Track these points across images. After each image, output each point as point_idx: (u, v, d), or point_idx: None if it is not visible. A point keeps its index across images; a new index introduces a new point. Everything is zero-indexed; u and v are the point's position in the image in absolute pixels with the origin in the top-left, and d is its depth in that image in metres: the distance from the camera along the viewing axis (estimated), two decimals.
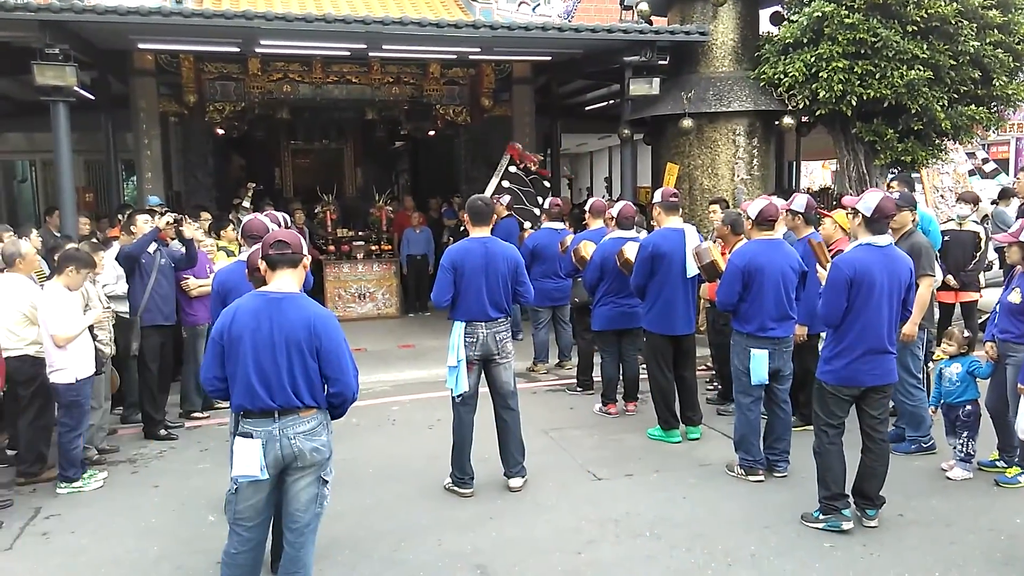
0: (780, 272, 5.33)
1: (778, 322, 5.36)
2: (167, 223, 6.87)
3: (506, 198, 9.85)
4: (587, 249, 7.09)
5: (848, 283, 4.45)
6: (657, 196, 6.43)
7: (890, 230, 5.74)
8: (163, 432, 6.58)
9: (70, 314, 5.40)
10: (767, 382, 5.39)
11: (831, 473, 4.65)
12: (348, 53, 10.30)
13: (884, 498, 4.71)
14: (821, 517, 4.68)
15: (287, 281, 3.56)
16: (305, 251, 3.65)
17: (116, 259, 6.54)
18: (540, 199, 10.81)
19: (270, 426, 3.45)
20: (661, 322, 6.22)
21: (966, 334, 5.54)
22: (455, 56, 10.88)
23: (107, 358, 6.12)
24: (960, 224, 8.27)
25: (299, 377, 3.45)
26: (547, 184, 11.51)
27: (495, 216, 7.99)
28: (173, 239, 7.29)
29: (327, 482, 3.61)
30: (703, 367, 7.65)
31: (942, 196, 11.81)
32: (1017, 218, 7.25)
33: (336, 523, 4.80)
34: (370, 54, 10.31)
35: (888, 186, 7.25)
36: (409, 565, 4.36)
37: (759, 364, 5.32)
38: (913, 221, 6.02)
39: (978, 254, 8.11)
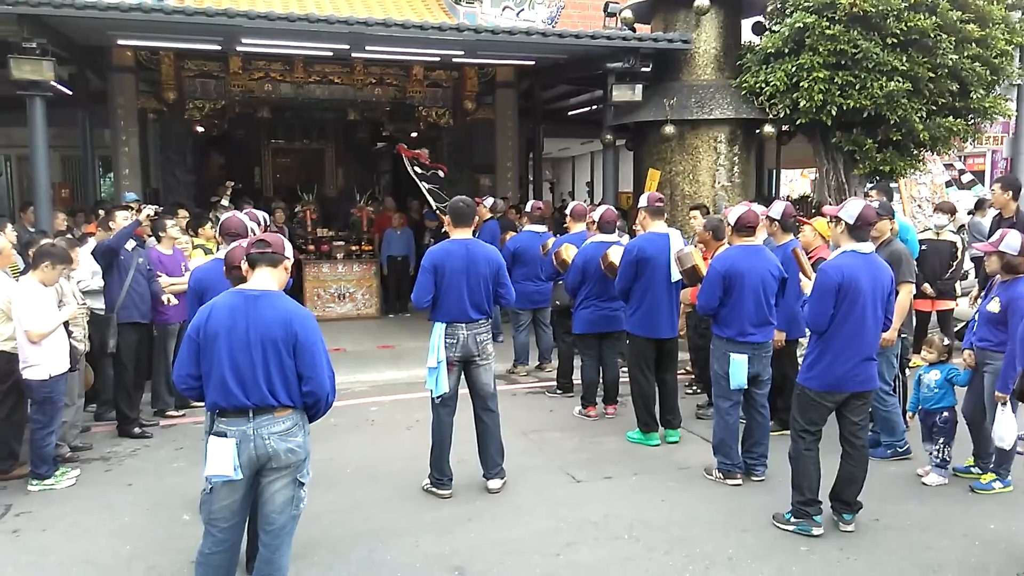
0: (760, 278, 5.36)
1: (758, 327, 5.39)
2: (147, 216, 6.82)
3: (489, 200, 9.83)
4: (568, 252, 7.10)
5: (837, 288, 4.47)
6: (643, 200, 6.43)
7: (870, 238, 5.83)
8: (137, 430, 6.50)
9: (45, 310, 5.33)
10: (746, 387, 5.42)
11: (807, 480, 4.67)
12: (331, 53, 10.24)
13: (861, 503, 4.75)
14: (792, 520, 4.71)
15: (265, 279, 3.53)
16: (288, 253, 3.61)
17: (94, 253, 6.46)
18: (445, 194, 10.55)
19: (244, 425, 3.41)
20: (645, 325, 6.24)
21: (946, 342, 5.60)
22: (438, 58, 10.87)
23: (81, 355, 6.04)
24: (937, 234, 8.37)
25: (275, 375, 3.40)
26: (441, 175, 11.13)
27: (478, 218, 7.99)
28: (150, 236, 7.22)
29: (303, 484, 3.56)
30: (682, 371, 7.68)
31: (919, 206, 11.95)
32: (991, 229, 7.35)
33: (313, 523, 4.75)
34: (353, 55, 10.25)
35: (866, 195, 7.32)
36: (386, 566, 4.32)
37: (738, 369, 5.35)
38: (892, 230, 6.08)
39: (954, 263, 8.21)
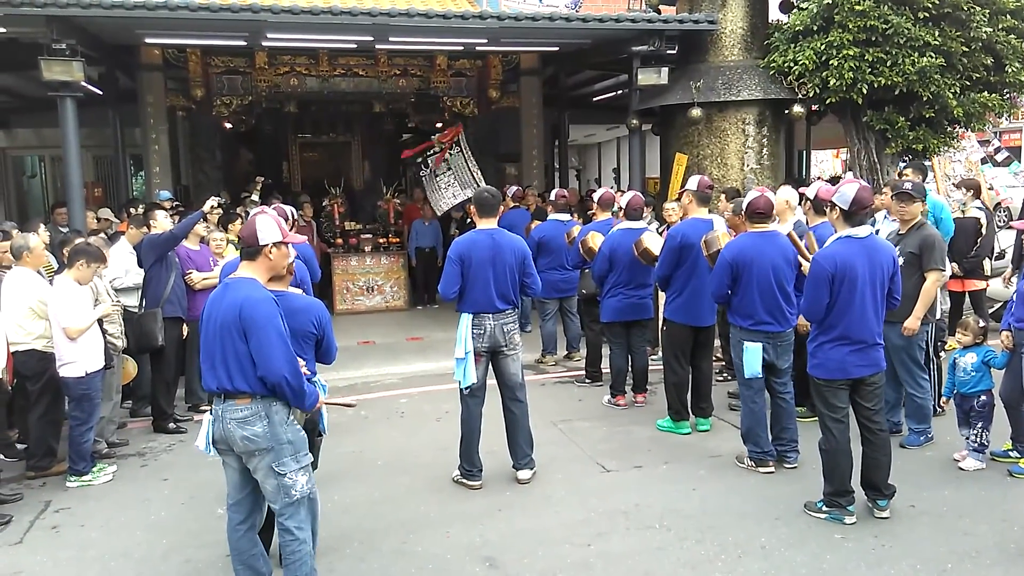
0: (771, 266, 5.27)
1: (772, 316, 5.32)
2: (211, 207, 7.04)
3: (511, 189, 9.80)
4: (595, 240, 7.06)
5: (830, 279, 4.41)
6: (692, 183, 6.27)
7: (900, 221, 5.71)
8: (172, 426, 6.61)
9: (81, 307, 5.42)
10: (761, 375, 5.35)
11: (837, 471, 4.62)
12: (355, 46, 10.27)
13: (894, 487, 4.67)
14: (824, 509, 4.66)
15: (245, 270, 3.59)
16: (265, 238, 3.54)
17: (155, 243, 6.57)
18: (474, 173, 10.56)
19: (218, 406, 3.55)
20: (686, 312, 6.17)
21: (981, 324, 5.48)
22: (462, 47, 10.84)
23: (117, 351, 6.14)
24: (963, 211, 8.19)
25: (231, 361, 3.46)
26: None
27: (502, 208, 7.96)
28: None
29: (283, 474, 3.54)
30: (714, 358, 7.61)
31: (954, 184, 11.69)
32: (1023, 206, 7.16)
33: (345, 515, 4.81)
34: (376, 46, 10.27)
35: (900, 174, 7.18)
36: (418, 557, 4.35)
37: (752, 357, 5.29)
38: (923, 211, 5.95)
39: (980, 240, 8.02)
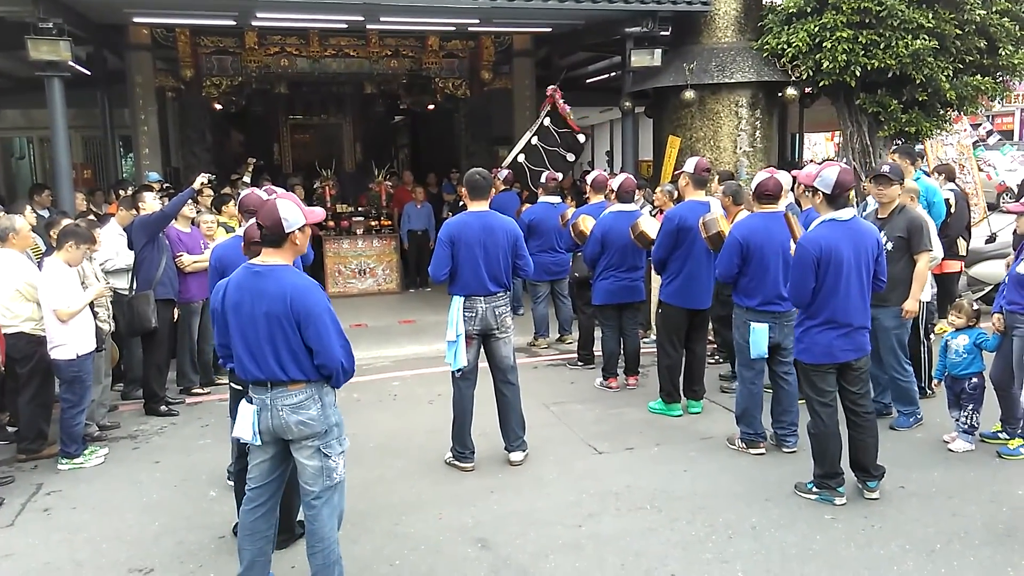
0: (781, 246, 5.26)
1: (780, 297, 5.32)
2: (202, 184, 6.98)
3: (503, 173, 9.77)
4: (586, 223, 7.04)
5: (815, 262, 4.41)
6: (689, 166, 6.19)
7: (880, 204, 5.72)
8: (164, 408, 6.59)
9: (71, 289, 5.39)
10: (767, 356, 5.36)
11: (827, 453, 4.64)
12: (345, 25, 10.18)
13: (883, 468, 4.70)
14: (814, 490, 4.69)
15: (272, 255, 3.52)
16: (289, 225, 3.44)
17: (146, 223, 6.51)
18: (571, 156, 10.57)
19: (264, 395, 3.50)
20: (682, 295, 6.16)
21: (975, 306, 5.49)
22: (454, 28, 10.75)
23: (107, 334, 6.11)
24: None
25: (283, 350, 3.42)
26: (581, 140, 10.79)
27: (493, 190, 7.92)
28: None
29: (328, 456, 3.55)
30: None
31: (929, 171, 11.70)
32: (1020, 190, 7.20)
33: None
34: (368, 26, 10.19)
35: (890, 157, 7.18)
36: (411, 539, 4.36)
37: (759, 337, 5.29)
38: (914, 194, 5.94)
39: (949, 221, 8.05)
